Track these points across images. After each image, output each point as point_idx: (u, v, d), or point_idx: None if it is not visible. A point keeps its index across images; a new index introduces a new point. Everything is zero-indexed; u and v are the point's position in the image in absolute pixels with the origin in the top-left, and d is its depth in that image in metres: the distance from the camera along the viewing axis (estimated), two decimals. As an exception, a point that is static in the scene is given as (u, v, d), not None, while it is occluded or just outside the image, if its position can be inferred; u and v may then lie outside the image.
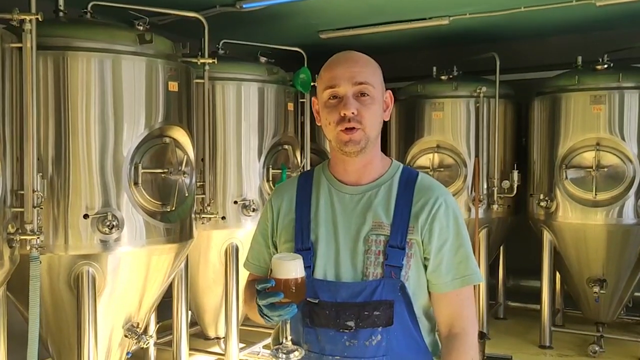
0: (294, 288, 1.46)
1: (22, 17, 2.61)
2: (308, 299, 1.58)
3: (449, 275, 1.61)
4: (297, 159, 4.67)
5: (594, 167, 4.60)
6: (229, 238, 4.26)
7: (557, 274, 5.29)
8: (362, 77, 1.59)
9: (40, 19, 2.66)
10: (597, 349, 4.76)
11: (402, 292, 1.58)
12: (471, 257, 1.64)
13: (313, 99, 1.70)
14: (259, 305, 1.51)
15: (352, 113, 1.56)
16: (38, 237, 2.69)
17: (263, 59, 4.50)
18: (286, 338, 1.53)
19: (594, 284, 4.76)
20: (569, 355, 4.86)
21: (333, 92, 1.59)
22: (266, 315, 1.51)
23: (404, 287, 1.58)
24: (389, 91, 1.68)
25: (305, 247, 1.62)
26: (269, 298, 1.47)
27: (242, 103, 4.25)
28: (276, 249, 1.72)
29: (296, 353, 1.53)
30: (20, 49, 2.65)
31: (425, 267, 1.62)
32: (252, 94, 4.29)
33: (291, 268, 1.48)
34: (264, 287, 1.48)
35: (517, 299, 5.91)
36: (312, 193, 1.70)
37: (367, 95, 1.59)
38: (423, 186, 1.65)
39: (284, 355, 1.52)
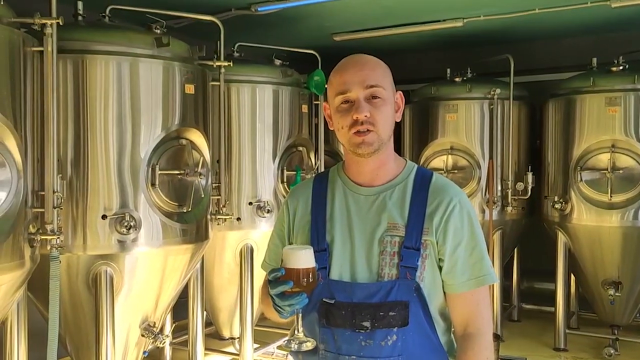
0: (303, 277, 1.49)
1: (44, 21, 2.66)
2: (324, 300, 1.61)
3: (464, 276, 1.63)
4: (311, 160, 4.70)
5: (609, 169, 4.58)
6: (244, 239, 4.30)
7: (572, 276, 5.26)
8: (373, 80, 1.60)
9: (61, 23, 2.70)
10: (612, 351, 4.73)
11: (418, 293, 1.59)
12: (486, 257, 1.65)
13: (324, 104, 1.72)
14: (271, 297, 1.53)
15: (365, 116, 1.58)
16: (58, 237, 2.73)
17: (277, 62, 4.54)
18: (298, 330, 1.56)
19: (609, 286, 4.74)
20: (584, 358, 4.84)
21: (345, 97, 1.61)
22: (278, 306, 1.54)
23: (419, 287, 1.59)
24: (400, 92, 1.70)
25: (321, 249, 1.64)
26: (279, 287, 1.49)
27: (257, 105, 4.29)
28: None
29: (308, 344, 1.56)
30: (41, 52, 2.70)
31: (440, 267, 1.63)
32: (267, 96, 4.33)
33: (301, 258, 1.51)
34: (274, 277, 1.51)
35: (532, 301, 5.89)
36: (327, 194, 1.72)
37: (379, 97, 1.61)
38: (437, 187, 1.67)
39: (296, 346, 1.55)
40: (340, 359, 1.60)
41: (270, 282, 1.52)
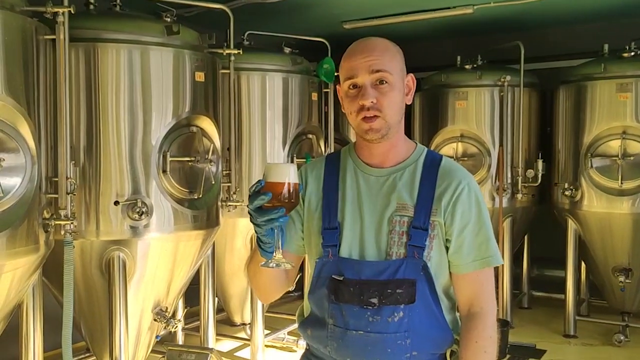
0: (283, 192, 1.44)
1: (56, 9, 2.69)
2: (333, 276, 1.64)
3: (469, 257, 1.65)
4: (321, 148, 4.72)
5: (619, 156, 4.55)
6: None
7: (582, 263, 5.26)
8: (379, 65, 1.61)
9: (72, 12, 2.74)
10: (622, 338, 4.73)
11: (425, 272, 1.62)
12: (492, 239, 1.68)
13: (338, 86, 1.73)
14: (250, 215, 1.49)
15: (371, 102, 1.60)
16: (72, 223, 2.78)
17: (287, 50, 4.55)
18: (277, 250, 1.51)
19: (619, 273, 4.73)
20: (594, 345, 4.84)
21: (352, 82, 1.63)
22: (256, 224, 1.49)
23: (426, 266, 1.62)
24: (411, 74, 1.71)
25: (332, 227, 1.67)
26: (257, 200, 1.45)
27: (267, 93, 4.31)
28: (302, 224, 1.76)
29: (287, 265, 1.52)
30: (53, 40, 2.74)
31: (447, 248, 1.66)
32: (277, 84, 4.35)
33: (282, 172, 1.45)
34: (254, 189, 1.47)
35: (542, 288, 5.89)
36: (339, 174, 1.75)
37: (386, 82, 1.62)
38: (446, 169, 1.69)
39: (274, 265, 1.51)
40: (348, 334, 1.64)
41: (249, 197, 1.48)
